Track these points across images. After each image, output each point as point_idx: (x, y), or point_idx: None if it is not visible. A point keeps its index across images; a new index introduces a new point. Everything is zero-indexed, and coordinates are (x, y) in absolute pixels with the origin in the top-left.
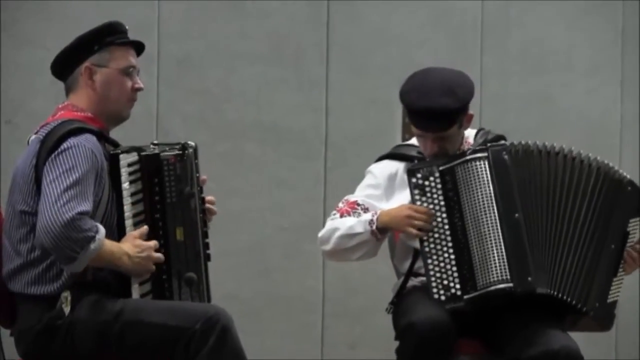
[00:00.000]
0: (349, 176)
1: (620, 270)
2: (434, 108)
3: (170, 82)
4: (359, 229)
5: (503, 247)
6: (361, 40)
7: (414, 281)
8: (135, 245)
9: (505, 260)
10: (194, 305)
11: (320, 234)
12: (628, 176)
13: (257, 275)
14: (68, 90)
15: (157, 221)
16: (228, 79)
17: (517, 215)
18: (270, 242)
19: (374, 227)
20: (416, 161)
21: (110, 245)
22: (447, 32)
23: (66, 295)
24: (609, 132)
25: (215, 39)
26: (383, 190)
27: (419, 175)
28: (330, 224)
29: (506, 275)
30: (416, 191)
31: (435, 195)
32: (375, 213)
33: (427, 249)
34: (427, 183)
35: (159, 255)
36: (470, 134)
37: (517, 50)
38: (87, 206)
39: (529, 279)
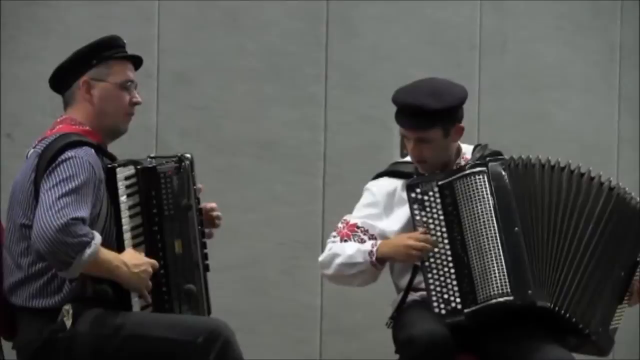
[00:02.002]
0: (347, 192)
1: (626, 298)
2: (415, 105)
3: (169, 97)
4: (359, 258)
5: (503, 261)
6: (358, 57)
7: (413, 295)
8: (135, 257)
9: (505, 273)
10: (195, 319)
11: (320, 258)
12: None
13: (253, 291)
14: (66, 104)
15: (155, 234)
16: (225, 94)
17: (516, 229)
18: (268, 258)
19: (374, 258)
20: (415, 176)
21: (107, 253)
22: (443, 49)
23: (68, 308)
24: (606, 149)
25: (214, 55)
26: (382, 208)
27: (418, 190)
28: (330, 247)
29: (506, 289)
30: (415, 206)
31: (434, 210)
32: (375, 244)
33: (427, 264)
34: (426, 198)
35: (153, 265)
36: (467, 149)
37: (513, 67)
38: (83, 213)
39: (529, 292)
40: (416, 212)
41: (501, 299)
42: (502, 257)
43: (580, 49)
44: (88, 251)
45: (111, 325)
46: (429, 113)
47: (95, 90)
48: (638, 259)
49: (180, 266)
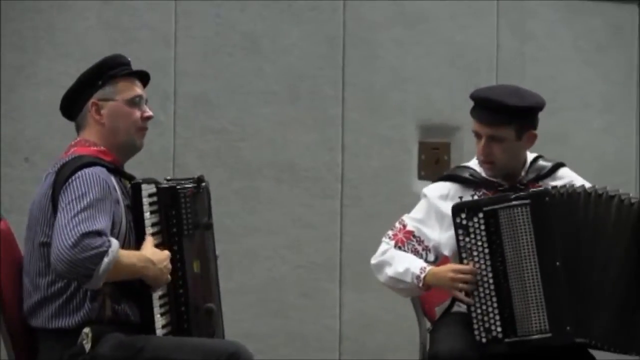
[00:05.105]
0: (365, 214)
1: None
2: (495, 99)
3: (186, 121)
4: (407, 278)
5: (543, 296)
6: (377, 79)
7: (461, 307)
8: (157, 253)
9: (544, 309)
10: (215, 342)
11: (374, 261)
12: None
13: (273, 313)
14: (79, 128)
15: (175, 254)
16: (244, 117)
17: (557, 263)
18: (287, 280)
19: (421, 284)
20: (462, 198)
21: (130, 257)
22: (462, 71)
23: (87, 331)
24: (625, 168)
25: (232, 78)
26: (434, 216)
27: (463, 216)
28: (384, 250)
29: (545, 326)
30: (460, 231)
31: (478, 237)
32: (424, 269)
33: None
34: (470, 224)
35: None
36: (529, 158)
37: (531, 87)
38: (98, 225)
39: (567, 328)
40: (460, 237)
41: (539, 336)
42: (541, 293)
43: (599, 69)
44: (106, 260)
45: (131, 349)
46: (506, 109)
47: (105, 110)
48: None
49: (199, 286)
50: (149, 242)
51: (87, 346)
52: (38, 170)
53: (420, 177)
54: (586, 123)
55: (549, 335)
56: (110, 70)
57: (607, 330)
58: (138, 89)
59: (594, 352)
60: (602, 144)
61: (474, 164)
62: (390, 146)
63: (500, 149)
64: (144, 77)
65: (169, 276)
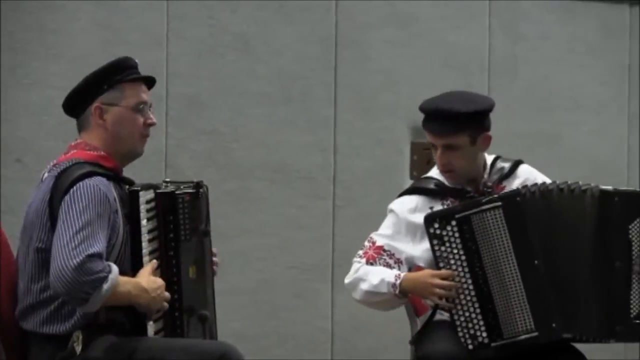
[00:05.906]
0: (358, 214)
1: (635, 280)
2: (442, 109)
3: (178, 122)
4: (383, 289)
5: (525, 296)
6: (369, 80)
7: (444, 315)
8: (152, 281)
9: (528, 309)
10: (206, 343)
11: (347, 281)
12: (610, 188)
13: (265, 314)
14: (80, 128)
15: (171, 259)
16: (236, 118)
17: (536, 262)
18: (279, 281)
19: (397, 291)
20: (432, 208)
21: (126, 283)
22: (454, 72)
23: (78, 334)
24: (616, 169)
25: (224, 79)
26: (404, 229)
27: (436, 225)
28: (356, 269)
29: (530, 325)
30: (435, 241)
31: (454, 245)
32: (399, 276)
33: (451, 299)
34: (444, 233)
35: (168, 294)
36: (489, 160)
37: (524, 89)
38: (98, 247)
39: (553, 325)
40: (436, 247)
41: (526, 336)
42: (523, 293)
43: (592, 70)
44: (105, 286)
45: (123, 351)
46: (456, 117)
47: (108, 115)
48: (629, 237)
49: (195, 292)
50: (148, 268)
51: (78, 349)
52: (30, 171)
53: (413, 178)
54: (578, 124)
55: (535, 334)
56: (116, 75)
57: (591, 322)
58: (143, 95)
59: (580, 347)
60: (594, 145)
61: (436, 173)
62: (382, 147)
63: (457, 156)
64: (149, 81)
65: (165, 304)
